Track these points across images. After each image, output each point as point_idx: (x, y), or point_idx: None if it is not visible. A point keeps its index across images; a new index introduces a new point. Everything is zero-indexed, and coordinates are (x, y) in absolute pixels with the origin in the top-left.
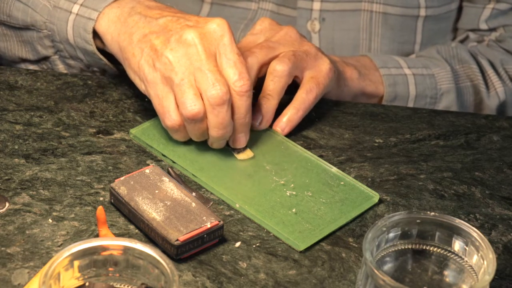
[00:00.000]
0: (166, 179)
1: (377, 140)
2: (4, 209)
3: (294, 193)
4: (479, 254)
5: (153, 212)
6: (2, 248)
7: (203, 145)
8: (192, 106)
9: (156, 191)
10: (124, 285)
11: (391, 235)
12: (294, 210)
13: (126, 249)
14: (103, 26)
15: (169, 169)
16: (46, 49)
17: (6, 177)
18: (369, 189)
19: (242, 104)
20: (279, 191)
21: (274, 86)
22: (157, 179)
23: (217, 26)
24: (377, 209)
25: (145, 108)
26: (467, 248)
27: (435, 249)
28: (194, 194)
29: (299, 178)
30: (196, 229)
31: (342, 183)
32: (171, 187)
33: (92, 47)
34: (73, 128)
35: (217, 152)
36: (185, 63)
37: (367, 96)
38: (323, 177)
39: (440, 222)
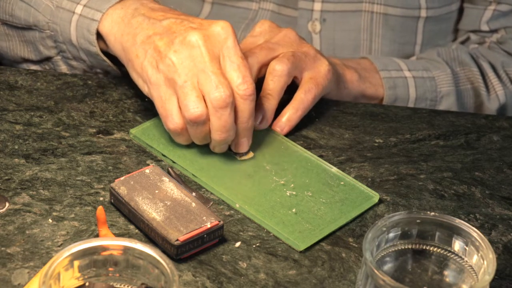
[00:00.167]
0: (166, 179)
1: (377, 140)
2: (4, 209)
3: (294, 193)
4: (479, 254)
5: (153, 212)
6: (2, 248)
7: (203, 145)
8: (195, 108)
9: (156, 191)
10: (124, 285)
11: (391, 235)
12: (294, 210)
13: (126, 249)
14: (107, 27)
15: (169, 169)
16: (48, 50)
17: (6, 177)
18: (369, 189)
19: (246, 108)
20: (279, 191)
21: (274, 85)
22: (157, 179)
23: (221, 29)
24: (377, 209)
25: (145, 108)
26: (467, 248)
27: (435, 249)
28: (194, 194)
29: (299, 178)
30: (196, 229)
31: (342, 183)
32: (171, 187)
33: (96, 49)
34: (73, 128)
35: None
36: (189, 65)
37: (367, 98)
38: (323, 177)
39: (440, 222)
